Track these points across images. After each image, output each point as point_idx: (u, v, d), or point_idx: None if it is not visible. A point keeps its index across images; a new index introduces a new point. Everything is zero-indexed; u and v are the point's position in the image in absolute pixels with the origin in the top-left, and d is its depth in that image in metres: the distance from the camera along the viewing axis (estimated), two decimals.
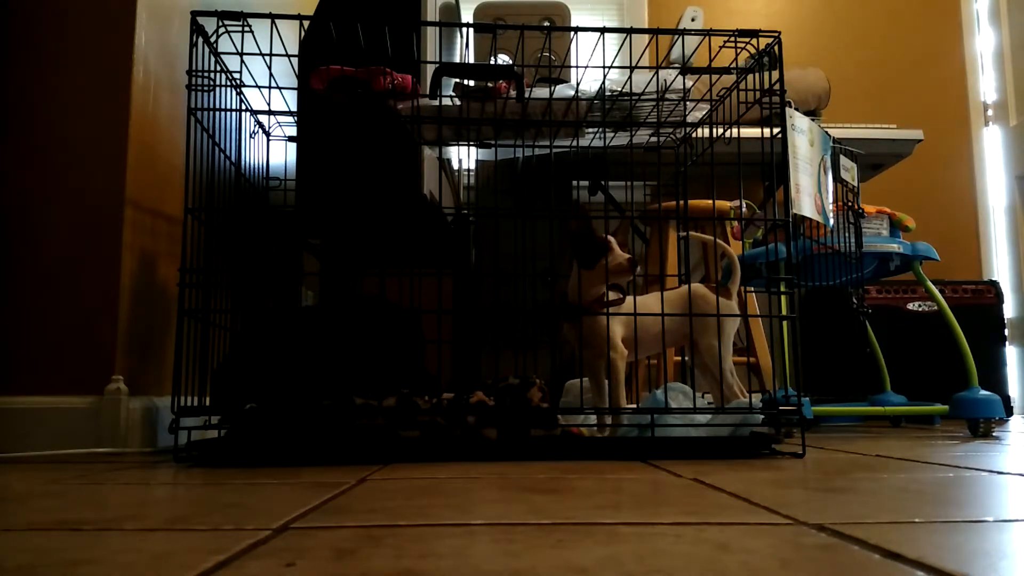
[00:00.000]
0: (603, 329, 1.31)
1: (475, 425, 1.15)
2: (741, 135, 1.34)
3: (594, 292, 1.32)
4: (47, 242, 1.32)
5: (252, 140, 1.50)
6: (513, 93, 1.53)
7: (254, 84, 1.40)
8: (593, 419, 1.34)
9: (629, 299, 1.36)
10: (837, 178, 1.77)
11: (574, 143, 1.63)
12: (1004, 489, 0.78)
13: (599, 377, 1.35)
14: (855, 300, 1.97)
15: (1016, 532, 0.55)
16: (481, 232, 2.15)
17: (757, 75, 1.30)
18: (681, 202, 1.84)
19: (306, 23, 1.55)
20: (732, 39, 1.26)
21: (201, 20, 1.20)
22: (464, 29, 1.91)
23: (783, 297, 1.64)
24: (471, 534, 0.54)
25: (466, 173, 2.28)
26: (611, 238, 1.34)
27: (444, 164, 1.72)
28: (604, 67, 1.32)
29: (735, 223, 2.26)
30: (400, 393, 1.16)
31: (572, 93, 1.53)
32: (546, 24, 2.36)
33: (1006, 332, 2.68)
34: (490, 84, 1.56)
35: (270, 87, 1.38)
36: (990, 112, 3.38)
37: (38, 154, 1.33)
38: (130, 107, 1.36)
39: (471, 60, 1.64)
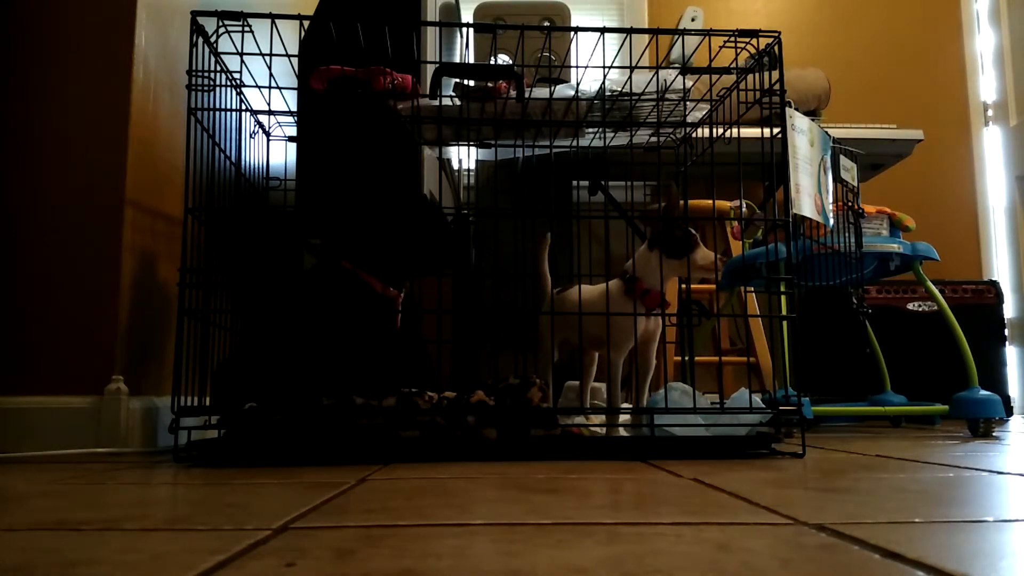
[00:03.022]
0: (660, 326, 1.30)
1: (475, 425, 1.15)
2: (741, 135, 1.34)
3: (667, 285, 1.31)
4: (47, 242, 1.32)
5: (252, 140, 1.50)
6: (513, 93, 1.53)
7: (254, 84, 1.40)
8: (592, 419, 1.33)
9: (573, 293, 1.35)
10: (837, 178, 1.77)
11: (574, 143, 1.63)
12: (1004, 489, 0.78)
13: (615, 375, 1.33)
14: (855, 300, 1.97)
15: (1016, 532, 0.55)
16: (481, 232, 2.15)
17: (757, 75, 1.30)
18: (681, 202, 1.84)
19: (306, 23, 1.55)
20: (732, 39, 1.26)
21: (201, 20, 1.20)
22: (464, 29, 1.91)
23: (783, 297, 1.64)
24: (471, 534, 0.54)
25: (466, 173, 2.28)
26: (695, 233, 1.32)
27: (444, 164, 1.72)
28: (604, 67, 1.32)
29: (735, 223, 2.26)
30: (400, 393, 1.17)
31: (572, 93, 1.53)
32: (546, 24, 2.36)
33: (1006, 332, 2.68)
34: (490, 84, 1.56)
35: (270, 87, 1.38)
36: (990, 112, 3.38)
37: (38, 154, 1.33)
38: (130, 107, 1.36)
39: (471, 60, 1.64)
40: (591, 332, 1.31)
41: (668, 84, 1.50)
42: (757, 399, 1.26)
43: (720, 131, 1.43)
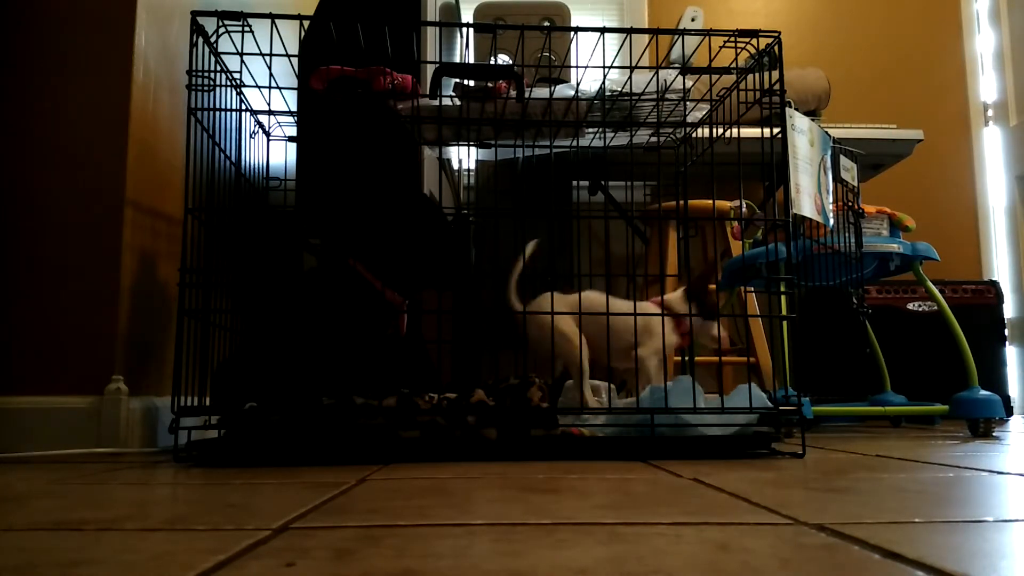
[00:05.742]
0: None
1: (475, 425, 1.15)
2: (741, 135, 1.34)
3: None
4: (47, 242, 1.32)
5: (252, 140, 1.50)
6: (513, 93, 1.53)
7: (254, 84, 1.40)
8: (592, 419, 1.33)
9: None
10: (837, 178, 1.77)
11: (574, 143, 1.63)
12: (1004, 489, 0.78)
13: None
14: (855, 300, 1.97)
15: (1016, 532, 0.55)
16: (481, 232, 2.15)
17: (757, 75, 1.30)
18: (681, 202, 1.84)
19: (306, 23, 1.55)
20: (732, 39, 1.26)
21: (201, 20, 1.20)
22: (464, 29, 1.91)
23: (783, 297, 1.64)
24: (471, 534, 0.54)
25: (466, 173, 2.28)
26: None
27: (444, 164, 1.72)
28: (604, 67, 1.32)
29: (735, 223, 2.26)
30: (400, 393, 1.17)
31: (572, 93, 1.53)
32: (546, 24, 2.36)
33: (1006, 332, 2.68)
34: (490, 84, 1.56)
35: (270, 87, 1.38)
36: (990, 112, 3.38)
37: (38, 154, 1.33)
38: (130, 107, 1.36)
39: (471, 60, 1.64)
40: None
41: (668, 84, 1.50)
42: (758, 391, 1.25)
43: (720, 131, 1.43)
